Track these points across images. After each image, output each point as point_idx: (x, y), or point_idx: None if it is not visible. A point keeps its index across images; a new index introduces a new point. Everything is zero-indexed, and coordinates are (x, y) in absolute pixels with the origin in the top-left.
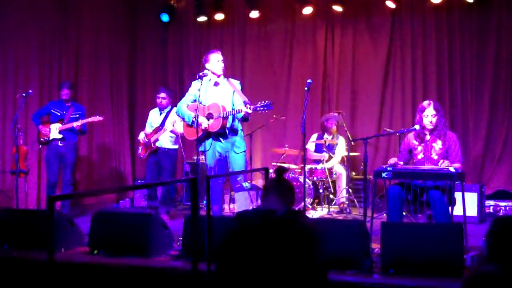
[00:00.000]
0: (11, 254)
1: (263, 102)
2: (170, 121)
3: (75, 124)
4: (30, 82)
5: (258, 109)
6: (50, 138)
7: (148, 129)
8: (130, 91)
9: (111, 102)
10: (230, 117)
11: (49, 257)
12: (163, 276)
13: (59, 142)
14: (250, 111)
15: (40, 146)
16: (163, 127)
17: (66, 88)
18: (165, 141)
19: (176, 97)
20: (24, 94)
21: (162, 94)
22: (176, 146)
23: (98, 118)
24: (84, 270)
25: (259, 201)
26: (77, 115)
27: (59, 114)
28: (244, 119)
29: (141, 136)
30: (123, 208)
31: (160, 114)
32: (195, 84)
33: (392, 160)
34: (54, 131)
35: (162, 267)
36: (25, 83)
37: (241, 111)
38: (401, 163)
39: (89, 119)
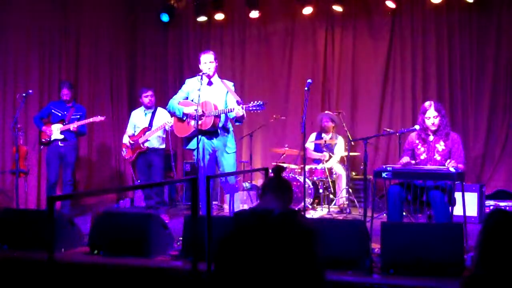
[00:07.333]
0: (11, 254)
1: (255, 102)
2: (167, 120)
3: (72, 126)
4: (30, 82)
5: (250, 108)
6: (52, 139)
7: (131, 130)
8: (130, 91)
9: (111, 102)
10: (223, 116)
11: (49, 257)
12: (163, 276)
13: (59, 142)
14: (242, 110)
15: (42, 146)
16: (152, 127)
17: (66, 88)
18: (154, 141)
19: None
20: (24, 94)
21: (150, 92)
22: (163, 146)
23: (99, 118)
24: (84, 270)
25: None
26: (78, 116)
27: (60, 114)
28: (237, 120)
29: (126, 140)
30: (123, 208)
31: (145, 115)
32: (190, 82)
33: (405, 159)
34: (56, 131)
35: (162, 267)
36: (25, 83)
37: (233, 110)
38: (413, 162)
39: (91, 119)
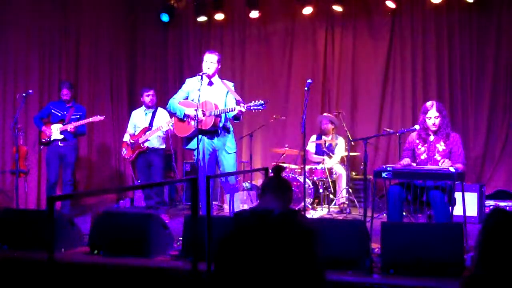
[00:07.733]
0: (11, 254)
1: (256, 101)
2: (165, 121)
3: (69, 127)
4: (30, 82)
5: (251, 108)
6: (52, 139)
7: (131, 130)
8: (130, 91)
9: (111, 102)
10: (223, 116)
11: (49, 257)
12: (163, 276)
13: (59, 142)
14: (243, 110)
15: (42, 146)
16: (152, 127)
17: (65, 88)
18: (155, 140)
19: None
20: (24, 94)
21: (151, 92)
22: (163, 146)
23: (99, 117)
24: (84, 270)
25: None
26: (78, 116)
27: (59, 114)
28: (236, 118)
29: (126, 138)
30: (123, 208)
31: (146, 115)
32: (190, 82)
33: (405, 161)
34: (55, 131)
35: (162, 267)
36: (25, 83)
37: (234, 109)
38: (414, 164)
39: (90, 119)
